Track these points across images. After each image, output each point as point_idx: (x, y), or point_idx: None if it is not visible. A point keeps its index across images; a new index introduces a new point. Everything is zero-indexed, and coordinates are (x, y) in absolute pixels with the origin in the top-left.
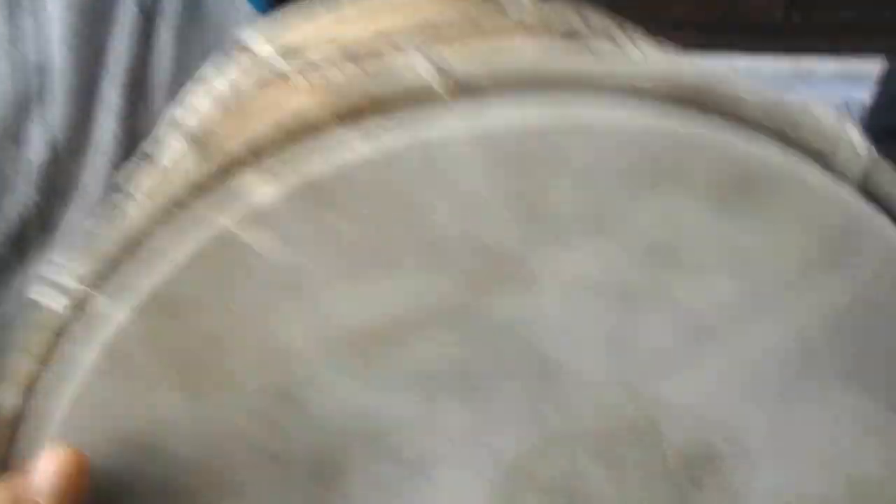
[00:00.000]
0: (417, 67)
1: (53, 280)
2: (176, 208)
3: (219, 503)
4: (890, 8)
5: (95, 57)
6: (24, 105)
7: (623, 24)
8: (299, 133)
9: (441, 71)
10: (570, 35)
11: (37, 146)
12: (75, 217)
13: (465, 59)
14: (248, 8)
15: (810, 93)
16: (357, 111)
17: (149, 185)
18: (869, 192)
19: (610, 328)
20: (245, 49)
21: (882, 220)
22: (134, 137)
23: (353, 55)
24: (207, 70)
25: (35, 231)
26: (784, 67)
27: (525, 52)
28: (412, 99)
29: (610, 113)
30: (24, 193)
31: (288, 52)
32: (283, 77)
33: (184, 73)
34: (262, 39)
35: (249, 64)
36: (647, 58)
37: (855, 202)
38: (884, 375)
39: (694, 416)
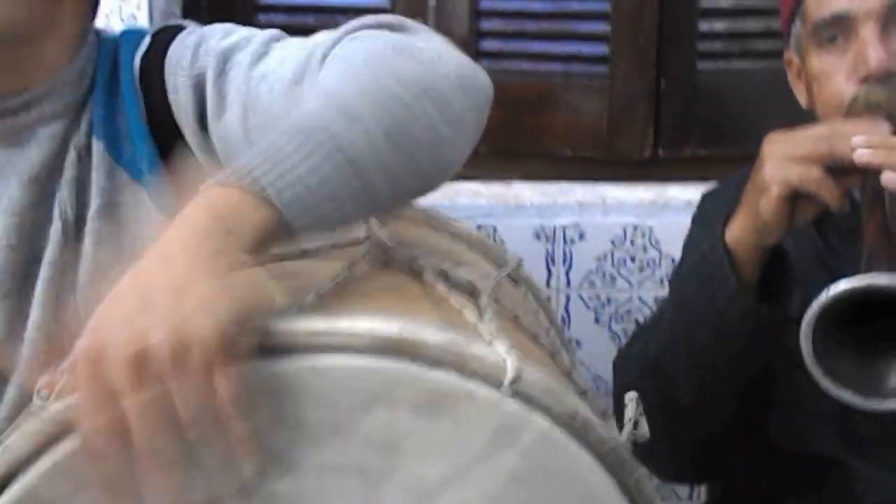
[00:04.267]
0: None
1: None
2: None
3: None
4: (733, 145)
5: (28, 263)
6: None
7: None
8: None
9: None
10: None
11: None
12: (13, 380)
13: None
14: (158, 215)
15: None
16: None
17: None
18: (522, 396)
19: (360, 498)
20: None
21: (535, 417)
22: (53, 332)
23: None
24: None
25: None
26: (649, 196)
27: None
28: None
29: (338, 359)
30: None
31: None
32: None
33: (100, 272)
34: None
35: None
36: (362, 321)
37: (512, 405)
38: None
39: None
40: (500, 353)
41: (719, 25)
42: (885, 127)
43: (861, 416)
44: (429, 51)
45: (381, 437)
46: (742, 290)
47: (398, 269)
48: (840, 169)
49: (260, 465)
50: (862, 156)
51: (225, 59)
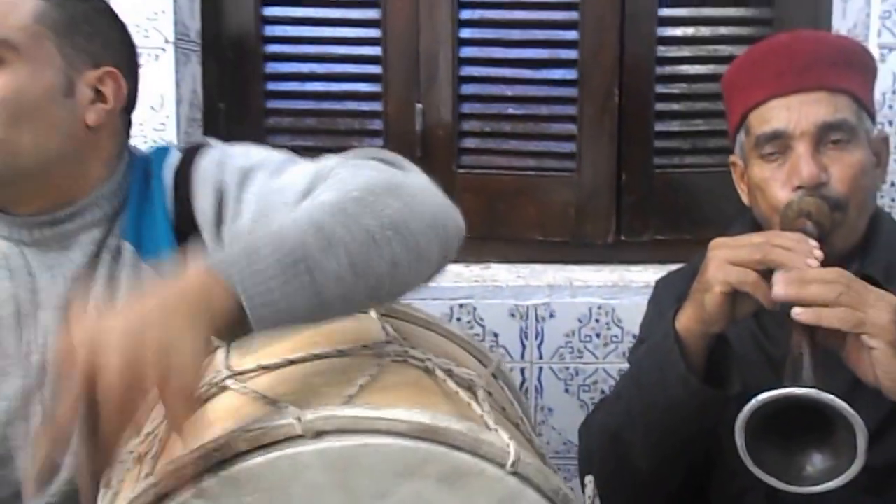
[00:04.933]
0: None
1: None
2: None
3: None
4: (687, 231)
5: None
6: (30, 392)
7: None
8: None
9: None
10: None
11: (35, 419)
12: (66, 461)
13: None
14: None
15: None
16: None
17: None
18: (520, 475)
19: None
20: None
21: (529, 492)
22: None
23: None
24: None
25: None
26: (612, 278)
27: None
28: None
29: (384, 439)
30: (30, 452)
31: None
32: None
33: None
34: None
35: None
36: (402, 411)
37: (513, 482)
38: None
39: None
40: (504, 439)
41: (674, 126)
42: (811, 241)
43: None
44: (411, 192)
45: (413, 502)
46: (690, 373)
47: (414, 365)
48: (771, 273)
49: None
50: (777, 293)
51: (246, 175)
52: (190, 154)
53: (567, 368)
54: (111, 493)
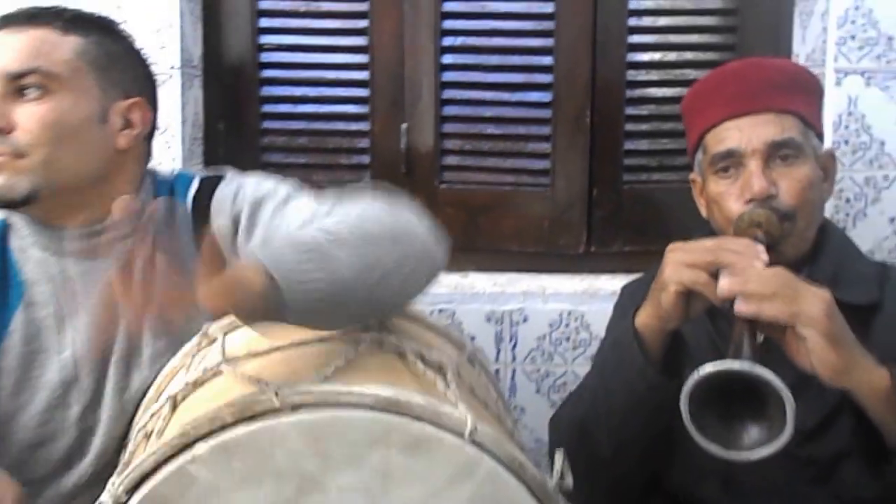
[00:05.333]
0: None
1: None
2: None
3: None
4: (653, 243)
5: (105, 350)
6: (67, 384)
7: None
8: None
9: (282, 400)
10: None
11: (73, 408)
12: (96, 442)
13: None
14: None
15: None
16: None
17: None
18: (477, 443)
19: None
20: (207, 340)
21: (486, 459)
22: (124, 396)
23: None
24: (176, 358)
25: (75, 456)
26: (582, 286)
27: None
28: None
29: (354, 412)
30: (66, 436)
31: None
32: (215, 374)
33: (158, 356)
34: (219, 332)
35: (201, 356)
36: (370, 387)
37: (471, 450)
38: None
39: None
40: (463, 412)
41: (642, 144)
42: (758, 246)
43: (740, 470)
44: (403, 226)
45: (381, 468)
46: (647, 366)
47: (388, 351)
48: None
49: None
50: (722, 287)
51: (257, 204)
52: (208, 183)
53: (538, 370)
54: (124, 467)
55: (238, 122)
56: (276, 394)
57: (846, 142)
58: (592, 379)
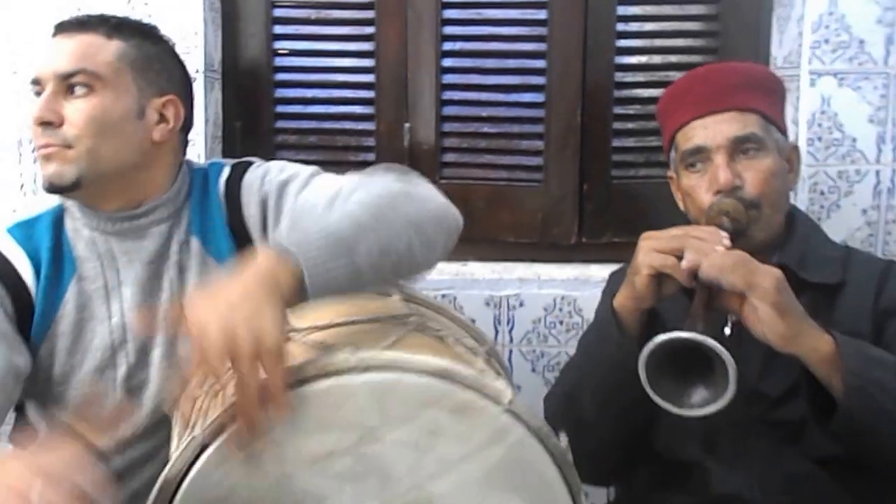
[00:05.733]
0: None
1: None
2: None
3: None
4: (642, 234)
5: (150, 317)
6: (115, 347)
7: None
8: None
9: (356, 361)
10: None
11: (121, 368)
12: (145, 402)
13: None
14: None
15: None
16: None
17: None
18: (511, 412)
19: (413, 462)
20: None
21: (518, 427)
22: (174, 358)
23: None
24: None
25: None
26: (574, 273)
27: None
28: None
29: (411, 377)
30: (115, 395)
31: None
32: (287, 340)
33: None
34: None
35: None
36: (427, 357)
37: (506, 418)
38: (527, 489)
39: (449, 502)
40: (502, 385)
41: (629, 142)
42: (721, 233)
43: (717, 431)
44: (421, 196)
45: (430, 427)
46: (625, 341)
47: (430, 335)
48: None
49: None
50: (688, 259)
51: (282, 188)
52: (238, 169)
53: (534, 351)
54: (197, 419)
55: (254, 122)
56: (351, 355)
57: (820, 138)
58: (578, 355)
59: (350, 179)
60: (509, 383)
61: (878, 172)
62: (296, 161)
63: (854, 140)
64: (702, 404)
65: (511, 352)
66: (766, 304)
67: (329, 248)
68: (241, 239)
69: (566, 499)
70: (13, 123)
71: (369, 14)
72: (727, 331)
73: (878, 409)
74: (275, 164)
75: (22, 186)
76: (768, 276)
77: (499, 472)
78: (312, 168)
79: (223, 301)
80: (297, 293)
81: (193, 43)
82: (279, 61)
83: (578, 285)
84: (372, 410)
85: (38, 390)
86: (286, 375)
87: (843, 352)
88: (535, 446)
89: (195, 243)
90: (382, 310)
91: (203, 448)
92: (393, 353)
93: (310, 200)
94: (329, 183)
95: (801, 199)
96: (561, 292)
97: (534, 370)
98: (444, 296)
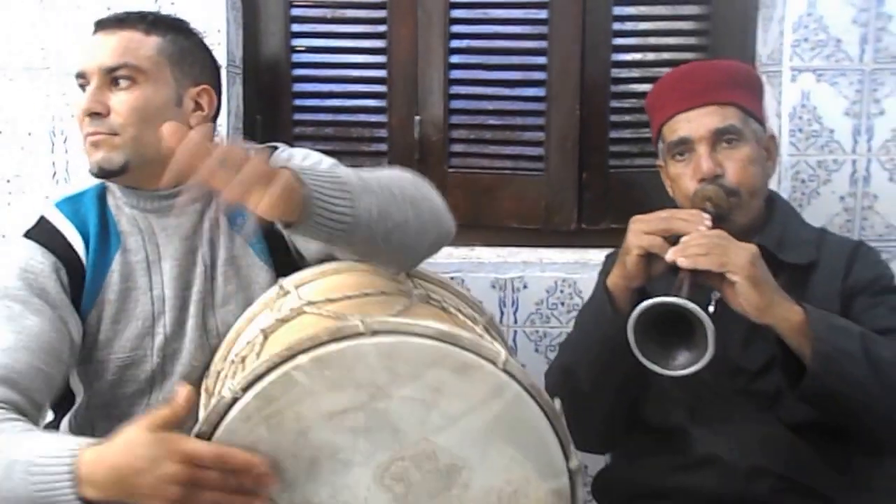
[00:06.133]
0: (360, 326)
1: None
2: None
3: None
4: None
5: (185, 290)
6: (154, 317)
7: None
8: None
9: (366, 326)
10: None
11: (159, 336)
12: (178, 369)
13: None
14: (260, 263)
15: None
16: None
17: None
18: (507, 371)
19: (422, 416)
20: (282, 292)
21: (514, 384)
22: (205, 330)
23: (337, 314)
24: (254, 306)
25: (157, 378)
26: (575, 258)
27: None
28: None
29: (417, 340)
30: (152, 360)
31: (304, 300)
32: (300, 313)
33: (228, 298)
34: (292, 286)
35: (280, 303)
36: (431, 322)
37: (503, 376)
38: (522, 441)
39: (452, 452)
40: (498, 347)
41: (625, 134)
42: (704, 216)
43: (701, 399)
44: (426, 192)
45: (434, 384)
46: (617, 317)
47: (434, 305)
48: (676, 240)
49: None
50: (669, 255)
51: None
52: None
53: (537, 331)
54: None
55: (273, 115)
56: (362, 322)
57: (800, 130)
58: (575, 331)
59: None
60: (505, 348)
61: (854, 162)
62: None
63: (832, 132)
64: (685, 365)
65: (515, 332)
66: (741, 277)
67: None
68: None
69: (557, 449)
70: (46, 116)
71: (382, 14)
72: (711, 309)
73: (844, 373)
74: (299, 151)
75: (54, 175)
76: (743, 252)
77: (497, 426)
78: (333, 160)
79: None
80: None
81: (216, 40)
82: (297, 58)
83: (578, 269)
84: (381, 370)
85: (83, 355)
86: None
87: (811, 321)
88: (528, 402)
89: (223, 221)
90: (390, 285)
91: (229, 406)
92: (399, 318)
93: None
94: (346, 171)
95: (783, 186)
96: (562, 275)
97: (537, 350)
98: (452, 278)
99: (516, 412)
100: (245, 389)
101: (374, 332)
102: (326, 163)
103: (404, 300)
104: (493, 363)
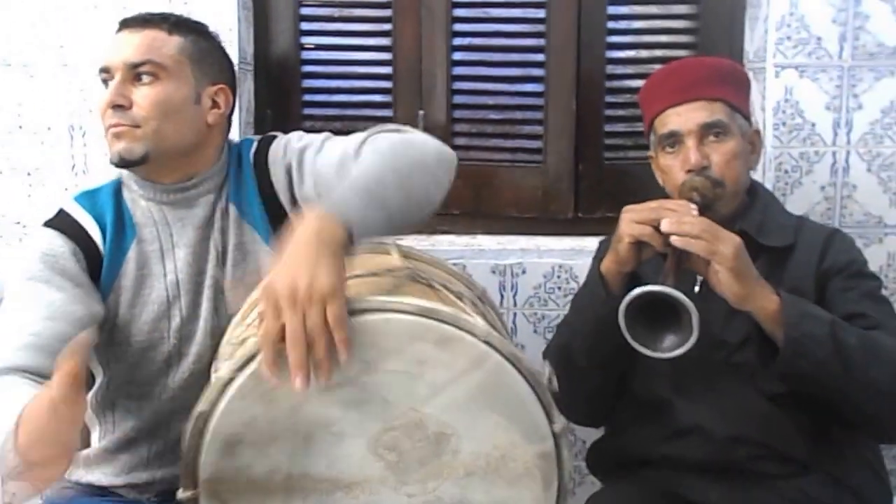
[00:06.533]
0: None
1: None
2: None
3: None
4: None
5: (199, 275)
6: (170, 301)
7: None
8: None
9: (350, 306)
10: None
11: (175, 319)
12: (193, 350)
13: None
14: (267, 249)
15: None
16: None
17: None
18: (488, 343)
19: (407, 389)
20: None
21: (494, 354)
22: (218, 314)
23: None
24: (256, 291)
25: (174, 359)
26: (571, 245)
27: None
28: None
29: (400, 316)
30: (169, 342)
31: None
32: None
33: (237, 283)
34: None
35: None
36: (413, 299)
37: (484, 347)
38: (506, 407)
39: (439, 420)
40: (479, 321)
41: (620, 127)
42: (691, 205)
43: (684, 372)
44: (419, 141)
45: (418, 357)
46: (609, 300)
47: (422, 282)
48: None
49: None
50: (664, 226)
51: (301, 154)
52: (264, 143)
53: (535, 314)
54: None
55: (283, 109)
56: (351, 302)
57: (784, 123)
58: (571, 313)
59: (355, 137)
60: (490, 320)
61: (834, 154)
62: None
63: (813, 125)
64: (671, 348)
65: (515, 315)
66: (725, 268)
67: (362, 203)
68: (270, 204)
69: (541, 414)
70: (65, 112)
71: (387, 12)
72: (696, 288)
73: (811, 356)
74: (294, 135)
75: (73, 167)
76: (728, 243)
77: (481, 393)
78: (324, 134)
79: (285, 261)
80: (347, 243)
81: (228, 38)
82: (306, 55)
83: (574, 255)
84: (369, 346)
85: (103, 338)
86: (344, 312)
87: (784, 308)
88: (509, 370)
89: (233, 210)
90: (381, 265)
91: (226, 385)
92: (384, 297)
93: (326, 161)
94: (339, 145)
95: (767, 177)
96: (559, 261)
97: (535, 331)
98: (454, 264)
99: (498, 379)
100: (240, 369)
101: (363, 311)
102: (318, 140)
103: (395, 280)
104: (473, 335)
